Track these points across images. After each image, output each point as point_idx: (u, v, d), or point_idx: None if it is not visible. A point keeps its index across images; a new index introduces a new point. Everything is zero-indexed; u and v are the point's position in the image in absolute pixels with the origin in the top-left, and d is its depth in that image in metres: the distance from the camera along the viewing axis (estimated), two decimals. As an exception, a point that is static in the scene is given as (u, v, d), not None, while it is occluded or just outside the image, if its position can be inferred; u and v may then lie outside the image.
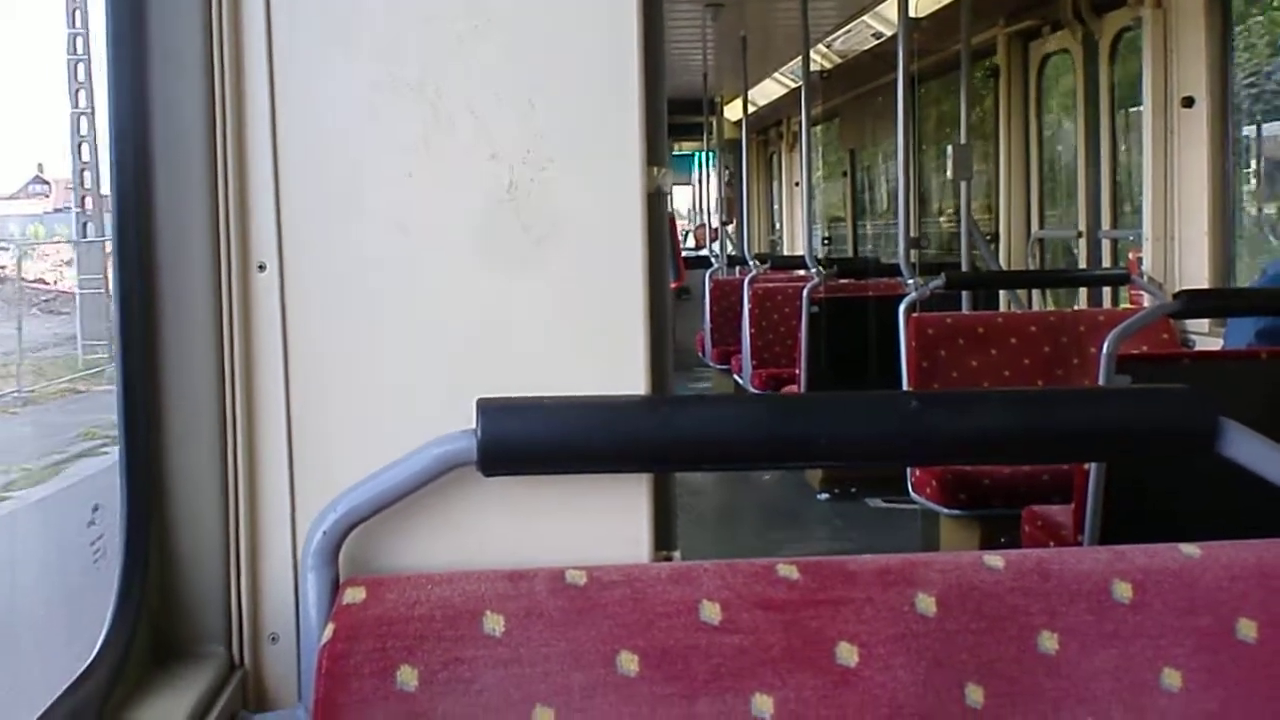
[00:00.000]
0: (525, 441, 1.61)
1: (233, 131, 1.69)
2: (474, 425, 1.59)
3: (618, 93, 1.74)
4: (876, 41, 10.72)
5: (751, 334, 10.27)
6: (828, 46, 11.75)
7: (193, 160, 1.68)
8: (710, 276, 13.00)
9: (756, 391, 9.80)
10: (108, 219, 1.68)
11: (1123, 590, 1.61)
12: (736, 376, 11.03)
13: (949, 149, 7.45)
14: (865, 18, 10.43)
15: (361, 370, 1.74)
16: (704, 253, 17.40)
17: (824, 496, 8.29)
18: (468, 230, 1.73)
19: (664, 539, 1.82)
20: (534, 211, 1.73)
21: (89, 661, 1.52)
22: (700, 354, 12.86)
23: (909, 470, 5.74)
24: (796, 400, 2.04)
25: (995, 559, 1.64)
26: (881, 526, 7.51)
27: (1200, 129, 6.23)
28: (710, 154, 16.71)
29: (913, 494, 5.75)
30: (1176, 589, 1.62)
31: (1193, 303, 4.33)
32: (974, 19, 7.86)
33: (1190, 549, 1.66)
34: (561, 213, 1.74)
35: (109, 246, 1.73)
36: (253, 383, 1.73)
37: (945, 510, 5.51)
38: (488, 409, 1.59)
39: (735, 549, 7.34)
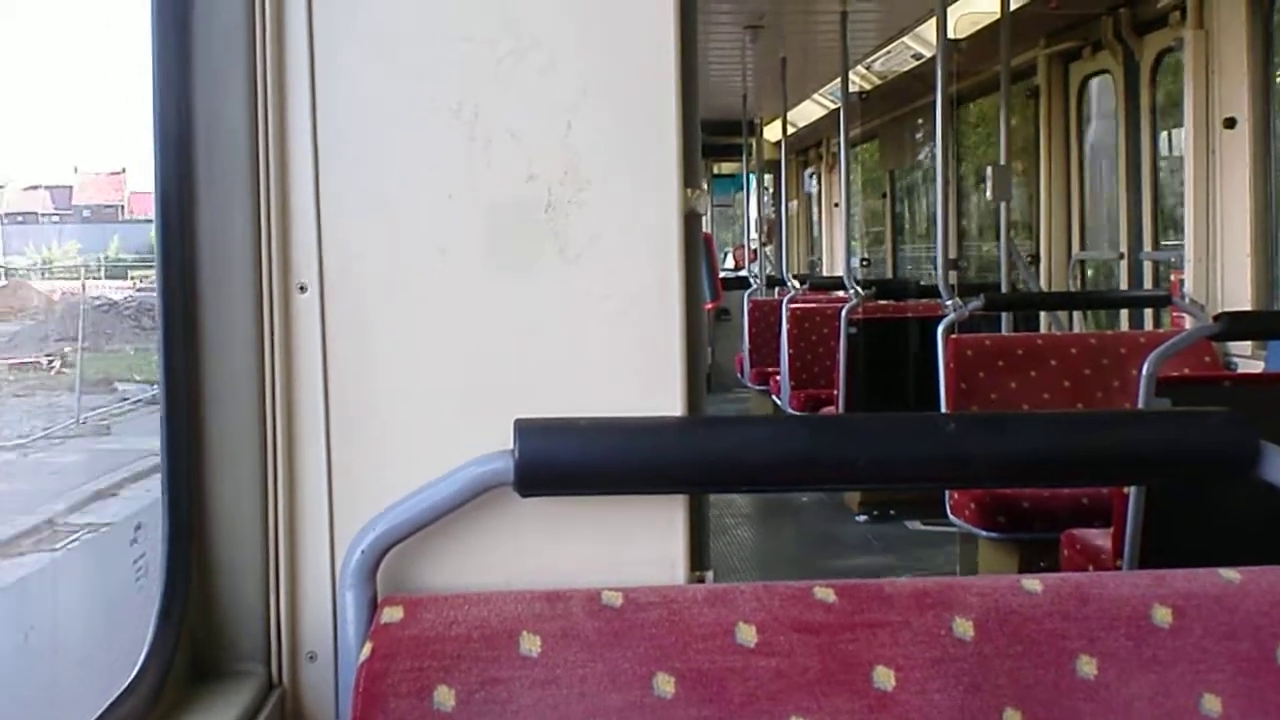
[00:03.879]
0: (562, 462, 1.61)
1: (274, 154, 1.71)
2: (511, 446, 1.59)
3: (655, 114, 1.75)
4: (916, 63, 10.71)
5: (790, 355, 10.26)
6: (867, 68, 11.74)
7: (235, 183, 1.70)
8: (749, 297, 13.00)
9: (795, 413, 9.79)
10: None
11: (1162, 615, 1.60)
12: (775, 397, 11.01)
13: (989, 170, 7.41)
14: (905, 39, 10.43)
15: (400, 390, 1.75)
16: (743, 273, 17.40)
17: (862, 518, 8.26)
18: (506, 251, 1.74)
19: (697, 559, 1.82)
20: (572, 232, 1.74)
21: (130, 679, 1.53)
22: (739, 375, 12.86)
23: (947, 493, 5.72)
24: (833, 421, 2.03)
25: (1033, 583, 1.63)
26: (920, 549, 7.48)
27: (1243, 149, 6.19)
28: (750, 176, 16.70)
29: (951, 516, 5.72)
30: (1217, 614, 1.60)
31: (1233, 325, 4.29)
32: (1014, 40, 7.84)
33: (1231, 574, 1.64)
34: (599, 233, 1.75)
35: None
36: (293, 402, 1.74)
37: (984, 533, 5.48)
38: (525, 429, 1.60)
39: (773, 570, 7.32)
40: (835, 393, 8.50)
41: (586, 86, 1.74)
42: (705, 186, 1.88)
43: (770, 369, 11.46)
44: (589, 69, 1.74)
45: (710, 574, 1.84)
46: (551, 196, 1.74)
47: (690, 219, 1.78)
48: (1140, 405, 3.71)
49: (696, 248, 1.80)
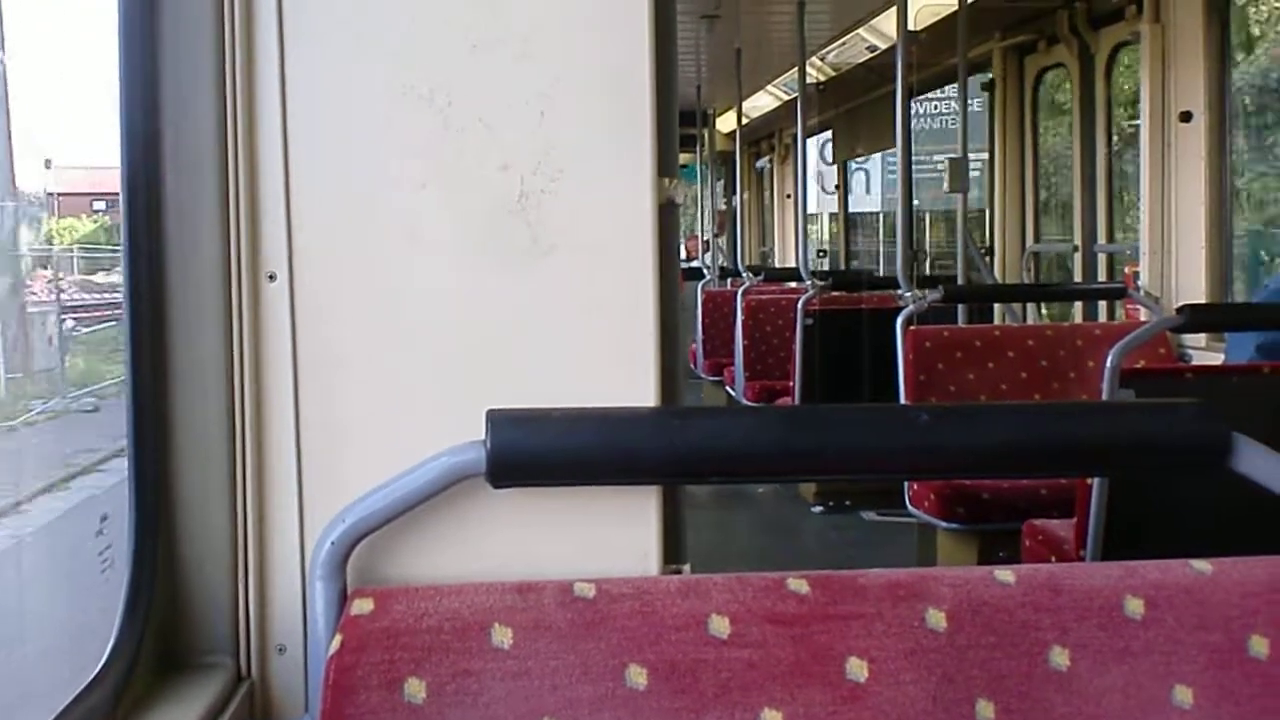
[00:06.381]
0: (534, 453, 1.60)
1: (244, 141, 1.69)
2: (483, 436, 1.58)
3: (629, 103, 1.73)
4: (871, 55, 10.74)
5: (745, 346, 10.28)
6: (821, 59, 11.77)
7: (204, 170, 1.68)
8: (702, 288, 13.00)
9: (749, 404, 9.80)
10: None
11: (1134, 606, 1.60)
12: (729, 389, 11.03)
13: (946, 162, 7.44)
14: (860, 30, 10.45)
15: (371, 381, 1.73)
16: (695, 264, 17.42)
17: (818, 509, 8.27)
18: (479, 240, 1.73)
19: (673, 553, 1.81)
20: (545, 222, 1.73)
21: (96, 671, 1.51)
22: (692, 366, 12.86)
23: (907, 484, 5.73)
24: (807, 412, 2.03)
25: (1006, 574, 1.63)
26: (877, 540, 7.50)
27: (1198, 143, 6.23)
28: (703, 166, 16.72)
29: (910, 507, 5.73)
30: (1188, 605, 1.61)
31: (1197, 317, 4.32)
32: (971, 33, 7.87)
33: (1202, 565, 1.65)
34: (572, 223, 1.73)
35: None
36: (262, 392, 1.72)
37: (944, 524, 5.49)
38: (497, 420, 1.58)
39: (729, 564, 7.32)
40: (791, 384, 8.52)
41: (560, 74, 1.72)
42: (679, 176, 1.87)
43: (724, 360, 11.46)
44: (563, 56, 1.73)
45: (687, 568, 1.84)
46: (525, 186, 1.73)
47: (665, 209, 1.77)
48: (1105, 397, 3.73)
49: (673, 238, 1.79)
